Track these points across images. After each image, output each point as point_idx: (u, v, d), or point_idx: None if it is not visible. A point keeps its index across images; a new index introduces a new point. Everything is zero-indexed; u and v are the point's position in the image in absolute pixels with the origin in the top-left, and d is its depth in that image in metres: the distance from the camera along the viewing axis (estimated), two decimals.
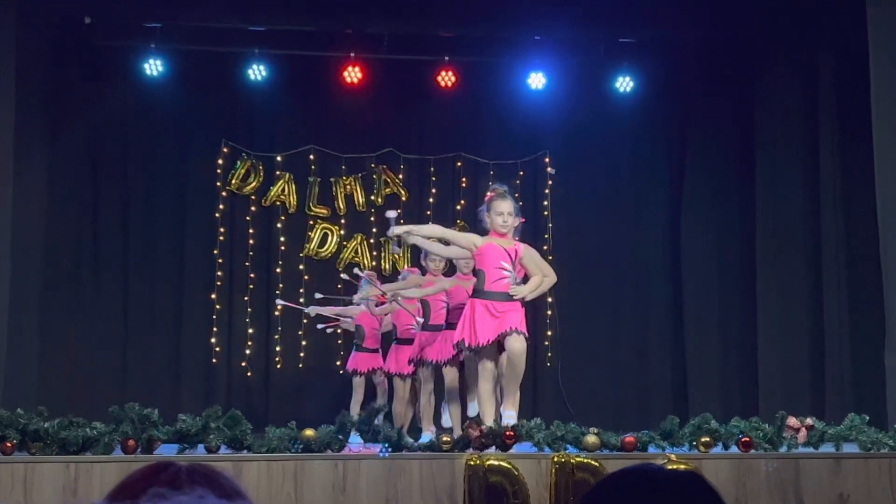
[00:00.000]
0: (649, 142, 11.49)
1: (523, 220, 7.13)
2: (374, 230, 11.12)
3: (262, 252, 11.15)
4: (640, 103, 11.24)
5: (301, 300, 10.71)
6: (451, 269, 8.47)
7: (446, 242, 7.19)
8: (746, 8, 10.01)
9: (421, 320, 8.30)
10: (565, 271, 11.11)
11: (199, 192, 11.05)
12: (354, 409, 8.74)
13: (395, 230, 6.86)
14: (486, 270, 6.54)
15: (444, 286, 8.00)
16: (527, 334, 6.53)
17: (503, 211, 6.63)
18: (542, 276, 6.79)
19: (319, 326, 10.18)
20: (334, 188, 11.27)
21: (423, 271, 8.78)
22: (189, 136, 11.10)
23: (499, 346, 6.52)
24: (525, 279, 6.84)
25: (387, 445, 5.44)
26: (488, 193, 6.92)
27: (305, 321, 10.88)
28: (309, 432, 5.49)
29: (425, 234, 7.12)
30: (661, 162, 11.50)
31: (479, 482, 5.17)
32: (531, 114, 11.20)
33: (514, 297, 6.53)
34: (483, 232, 6.89)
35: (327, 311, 9.79)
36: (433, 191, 11.37)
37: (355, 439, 5.94)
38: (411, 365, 8.44)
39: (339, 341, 10.88)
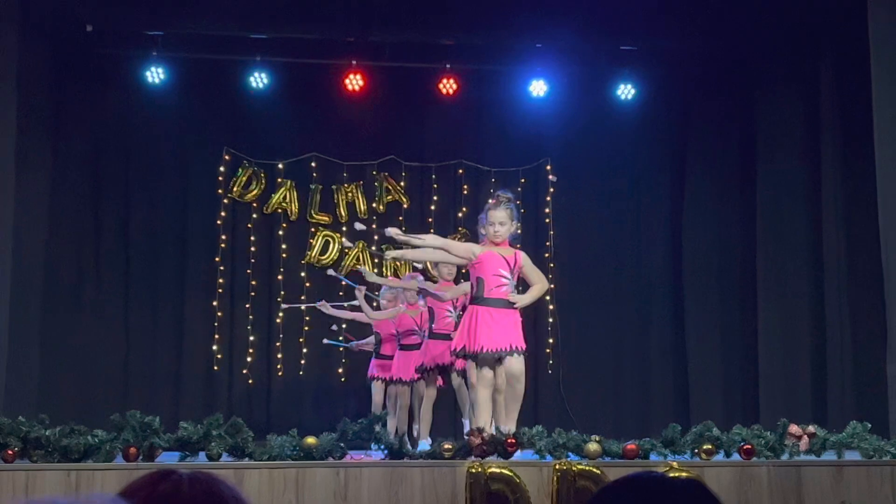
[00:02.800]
0: (651, 149, 11.50)
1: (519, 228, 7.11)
2: (376, 238, 11.14)
3: (264, 259, 11.16)
4: (642, 111, 11.25)
5: (302, 308, 10.72)
6: (457, 276, 8.46)
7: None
8: (747, 16, 10.01)
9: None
10: (567, 278, 11.16)
11: (200, 200, 11.06)
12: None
13: (390, 233, 6.86)
14: (486, 278, 6.56)
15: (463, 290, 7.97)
16: (524, 347, 6.55)
17: (495, 221, 6.66)
18: (542, 286, 6.82)
19: (325, 342, 10.20)
20: (336, 195, 11.29)
21: (426, 279, 8.79)
22: (191, 143, 11.11)
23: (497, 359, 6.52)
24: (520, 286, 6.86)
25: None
26: (493, 199, 6.92)
27: (307, 329, 10.90)
28: (310, 440, 5.49)
29: (422, 242, 7.13)
30: (663, 169, 11.50)
31: (480, 490, 5.17)
32: (533, 121, 11.21)
33: (515, 306, 6.55)
34: (476, 238, 6.94)
35: (337, 312, 9.87)
36: (434, 198, 11.38)
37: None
38: (417, 373, 8.44)
39: (341, 349, 10.89)
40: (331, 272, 10.22)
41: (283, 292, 11.02)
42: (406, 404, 8.99)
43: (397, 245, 6.98)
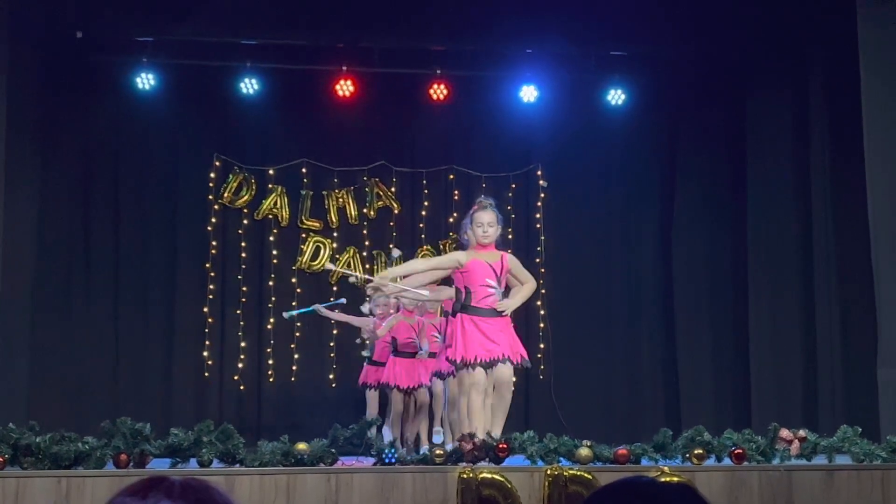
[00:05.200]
0: (641, 154, 11.51)
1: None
2: (367, 243, 11.13)
3: (255, 265, 11.14)
4: (632, 116, 11.26)
5: (294, 314, 10.70)
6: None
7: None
8: (737, 22, 10.04)
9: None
10: (558, 284, 11.17)
11: (191, 206, 11.04)
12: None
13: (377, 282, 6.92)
14: (473, 288, 6.55)
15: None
16: (525, 354, 6.58)
17: (483, 222, 6.65)
18: (530, 285, 6.83)
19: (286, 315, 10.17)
20: (326, 201, 11.28)
21: None
22: (181, 149, 11.09)
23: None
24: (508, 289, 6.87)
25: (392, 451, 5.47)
26: (475, 205, 6.92)
27: (298, 335, 10.89)
28: (301, 446, 5.48)
29: (405, 272, 7.16)
30: (653, 174, 11.52)
31: (471, 495, 5.17)
32: (523, 127, 11.21)
33: (503, 313, 6.56)
34: (460, 246, 6.93)
35: (336, 316, 9.85)
36: (425, 203, 11.37)
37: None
38: (433, 379, 8.49)
39: (332, 354, 10.88)
40: (351, 279, 10.18)
41: (273, 298, 11.00)
42: (399, 411, 9.00)
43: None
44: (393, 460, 5.53)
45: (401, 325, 8.90)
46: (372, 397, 9.30)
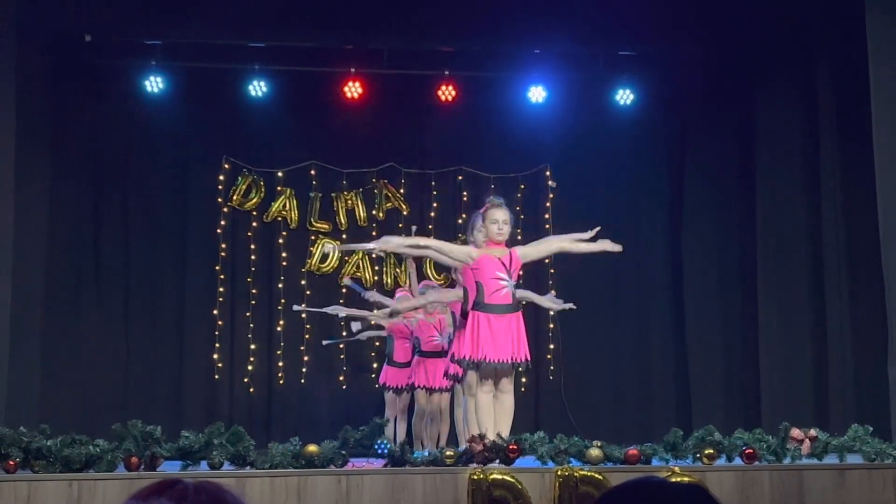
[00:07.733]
0: (650, 154, 11.50)
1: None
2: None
3: (264, 267, 11.16)
4: (641, 116, 11.26)
5: (303, 315, 10.71)
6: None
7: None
8: (746, 21, 10.03)
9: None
10: (567, 284, 11.16)
11: (200, 209, 11.07)
12: (389, 425, 8.63)
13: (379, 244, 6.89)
14: (484, 282, 6.54)
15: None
16: (528, 357, 6.59)
17: (498, 219, 6.65)
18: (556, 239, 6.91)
19: (325, 343, 10.23)
20: (335, 203, 11.30)
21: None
22: (190, 152, 11.12)
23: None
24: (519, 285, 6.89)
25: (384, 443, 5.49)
26: (485, 204, 6.91)
27: (307, 337, 10.91)
28: (312, 448, 5.48)
29: (411, 242, 7.14)
30: (662, 174, 11.51)
31: (482, 497, 5.16)
32: (532, 127, 11.22)
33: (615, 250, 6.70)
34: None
35: (350, 311, 9.85)
36: (434, 205, 11.39)
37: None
38: (446, 379, 8.46)
39: (342, 356, 10.89)
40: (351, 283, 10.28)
41: (283, 300, 11.02)
42: (422, 410, 8.98)
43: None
44: (385, 451, 5.52)
45: (423, 325, 8.91)
46: (390, 399, 9.28)
